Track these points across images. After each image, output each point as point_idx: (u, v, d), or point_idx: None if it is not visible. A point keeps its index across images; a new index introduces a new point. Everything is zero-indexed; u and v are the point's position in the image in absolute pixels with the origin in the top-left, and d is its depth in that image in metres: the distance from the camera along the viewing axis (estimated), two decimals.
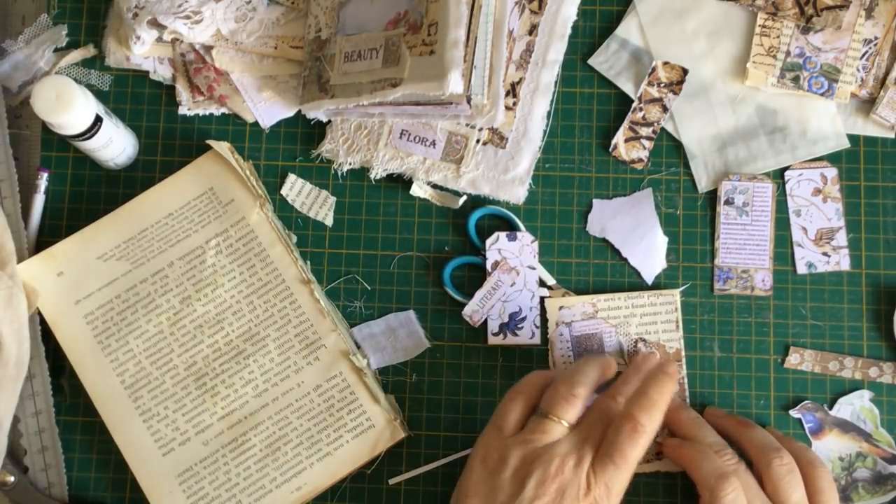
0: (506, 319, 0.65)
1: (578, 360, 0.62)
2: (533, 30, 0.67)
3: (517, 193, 0.66)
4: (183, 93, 0.68)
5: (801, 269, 0.66)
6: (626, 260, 0.66)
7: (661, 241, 0.66)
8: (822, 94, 0.66)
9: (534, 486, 0.53)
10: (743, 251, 0.66)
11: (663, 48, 0.67)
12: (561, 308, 0.65)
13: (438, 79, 0.59)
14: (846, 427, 0.64)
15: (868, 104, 0.67)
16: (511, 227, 0.66)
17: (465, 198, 0.66)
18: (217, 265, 0.65)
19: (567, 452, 0.54)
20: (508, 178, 0.66)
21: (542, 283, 0.66)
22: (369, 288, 0.66)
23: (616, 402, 0.57)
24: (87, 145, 0.63)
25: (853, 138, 0.66)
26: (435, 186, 0.67)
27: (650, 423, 0.55)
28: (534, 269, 0.65)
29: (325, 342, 0.64)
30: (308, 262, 0.66)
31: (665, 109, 0.67)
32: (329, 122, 0.67)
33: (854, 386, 0.64)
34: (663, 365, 0.59)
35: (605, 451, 0.54)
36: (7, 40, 0.68)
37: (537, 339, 0.65)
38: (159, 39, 0.67)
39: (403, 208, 0.67)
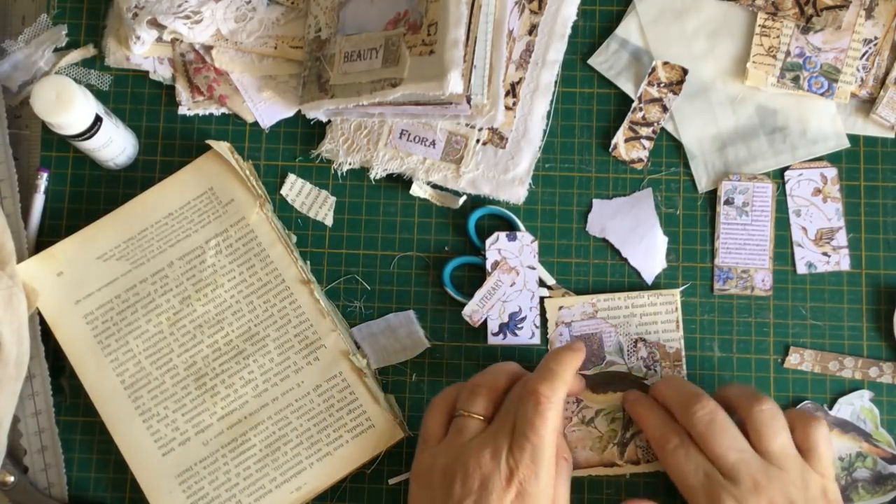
0: (506, 319, 0.65)
1: None
2: (533, 30, 0.67)
3: (517, 193, 0.66)
4: (183, 93, 0.68)
5: (801, 269, 0.66)
6: (626, 260, 0.66)
7: (661, 241, 0.66)
8: (822, 94, 0.66)
9: (459, 487, 0.54)
10: (743, 251, 0.66)
11: (663, 48, 0.67)
12: (561, 308, 0.65)
13: (438, 79, 0.59)
14: (846, 427, 0.64)
15: (868, 104, 0.67)
16: (511, 227, 0.66)
17: (465, 198, 0.66)
18: (217, 265, 0.65)
19: (482, 444, 0.54)
20: (508, 178, 0.66)
21: (541, 283, 0.66)
22: (369, 288, 0.66)
23: (523, 384, 0.57)
24: (87, 145, 0.63)
25: (853, 138, 0.66)
26: (435, 186, 0.67)
27: (553, 394, 0.55)
28: (534, 269, 0.65)
29: (325, 342, 0.64)
30: (308, 262, 0.66)
31: (665, 109, 0.67)
32: (329, 122, 0.67)
33: (854, 386, 0.64)
34: (569, 342, 0.60)
35: (518, 433, 0.54)
36: (7, 40, 0.68)
37: (537, 339, 0.65)
38: (159, 39, 0.67)
39: (403, 208, 0.67)
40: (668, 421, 0.59)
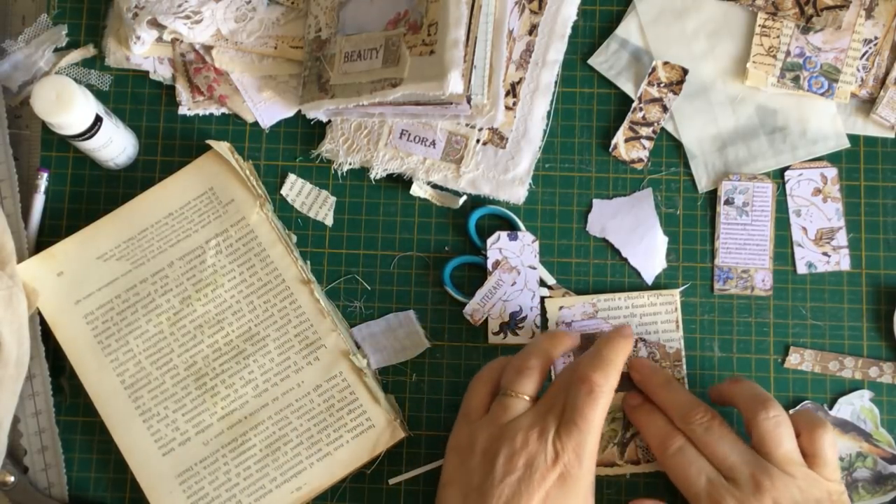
0: (506, 319, 0.65)
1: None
2: (533, 30, 0.67)
3: (517, 193, 0.66)
4: (183, 93, 0.68)
5: (801, 269, 0.66)
6: (626, 260, 0.66)
7: (661, 241, 0.66)
8: (822, 94, 0.66)
9: (503, 464, 0.54)
10: (743, 251, 0.66)
11: (663, 48, 0.67)
12: (561, 308, 0.65)
13: (438, 79, 0.59)
14: (846, 427, 0.64)
15: (868, 104, 0.67)
16: (511, 227, 0.66)
17: (465, 198, 0.66)
18: (217, 265, 0.65)
19: (530, 425, 0.55)
20: (508, 178, 0.66)
21: (542, 283, 0.66)
22: (369, 288, 0.66)
23: (574, 369, 0.57)
24: (87, 145, 0.63)
25: (853, 138, 0.66)
26: (435, 186, 0.67)
27: (606, 382, 0.55)
28: (534, 268, 0.65)
29: (325, 342, 0.64)
30: (308, 262, 0.66)
31: (665, 109, 0.67)
32: (329, 122, 0.67)
33: (854, 386, 0.64)
34: (619, 328, 0.60)
35: (567, 417, 0.55)
36: (7, 40, 0.68)
37: None
38: (159, 39, 0.67)
39: (403, 208, 0.67)
40: (668, 425, 0.59)
